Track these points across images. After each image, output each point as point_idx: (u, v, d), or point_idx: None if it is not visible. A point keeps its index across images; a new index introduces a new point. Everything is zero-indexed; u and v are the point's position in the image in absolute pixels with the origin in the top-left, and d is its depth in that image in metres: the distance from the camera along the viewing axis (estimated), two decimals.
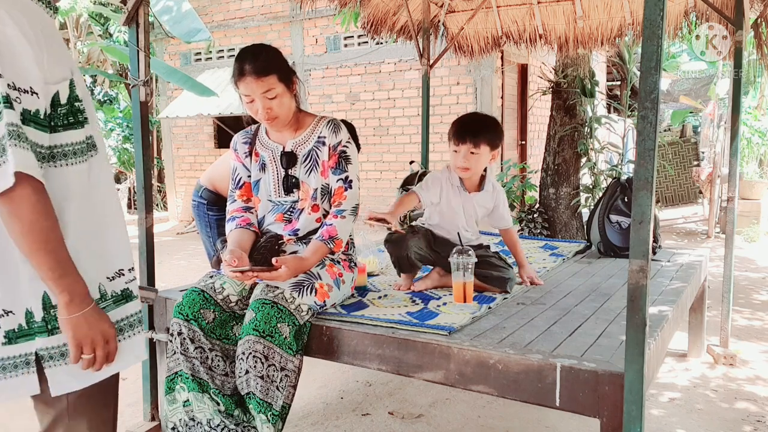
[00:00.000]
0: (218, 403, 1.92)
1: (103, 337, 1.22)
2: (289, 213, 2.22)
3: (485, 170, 2.43)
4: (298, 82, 2.17)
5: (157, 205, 11.29)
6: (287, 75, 2.10)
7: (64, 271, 1.17)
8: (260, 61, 2.03)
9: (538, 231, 5.61)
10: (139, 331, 1.38)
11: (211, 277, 2.12)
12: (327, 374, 3.11)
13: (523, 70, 8.48)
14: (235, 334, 2.03)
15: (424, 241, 2.34)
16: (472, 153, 2.28)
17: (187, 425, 1.94)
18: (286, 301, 1.92)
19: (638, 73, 1.46)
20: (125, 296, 1.34)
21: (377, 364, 1.89)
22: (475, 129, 2.30)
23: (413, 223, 2.53)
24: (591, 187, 5.79)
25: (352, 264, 2.29)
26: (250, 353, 1.85)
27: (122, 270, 1.34)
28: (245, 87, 2.04)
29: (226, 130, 9.00)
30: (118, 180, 12.39)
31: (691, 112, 10.82)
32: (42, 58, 1.16)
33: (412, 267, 2.36)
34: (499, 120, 7.58)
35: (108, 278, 1.31)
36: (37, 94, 1.16)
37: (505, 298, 2.28)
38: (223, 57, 9.23)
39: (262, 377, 1.84)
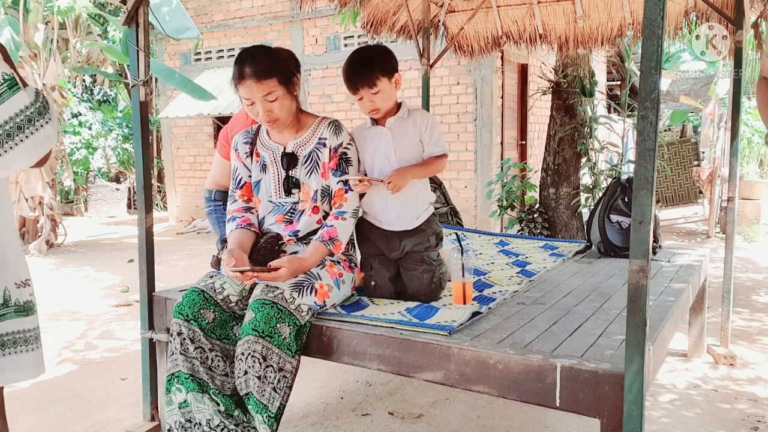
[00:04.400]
0: (218, 404, 1.92)
1: None
2: (289, 214, 2.22)
3: (400, 103, 2.27)
4: (299, 82, 2.17)
5: (156, 205, 11.31)
6: (288, 77, 2.10)
7: None
8: (260, 64, 2.02)
9: (538, 231, 5.61)
10: (37, 347, 1.36)
11: (211, 277, 2.12)
12: (327, 374, 3.11)
13: (523, 70, 8.47)
14: (235, 334, 2.03)
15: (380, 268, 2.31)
16: (374, 93, 2.17)
17: (183, 427, 1.93)
18: (286, 301, 1.92)
19: (638, 73, 1.46)
20: (26, 309, 1.33)
21: (377, 365, 1.88)
22: (364, 70, 2.18)
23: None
24: (591, 187, 5.79)
25: (352, 264, 2.29)
26: (249, 354, 1.85)
27: (28, 280, 1.32)
28: (245, 90, 2.04)
29: None
30: (117, 180, 12.40)
31: (691, 112, 10.82)
32: None
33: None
34: (500, 119, 7.60)
35: (15, 285, 1.29)
36: None
37: (504, 298, 2.28)
38: (223, 57, 9.22)
39: (259, 378, 1.84)
